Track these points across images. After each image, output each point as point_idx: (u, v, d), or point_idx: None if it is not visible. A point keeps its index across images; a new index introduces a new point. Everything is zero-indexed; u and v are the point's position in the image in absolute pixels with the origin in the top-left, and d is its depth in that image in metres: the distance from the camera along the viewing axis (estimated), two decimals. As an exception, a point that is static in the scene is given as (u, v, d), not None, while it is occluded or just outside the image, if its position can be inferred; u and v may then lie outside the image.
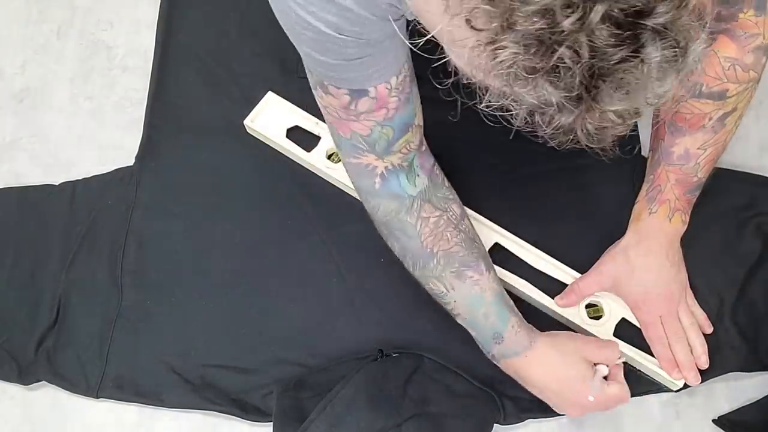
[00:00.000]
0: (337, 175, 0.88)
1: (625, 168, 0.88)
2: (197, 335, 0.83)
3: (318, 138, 0.90)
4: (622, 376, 0.74)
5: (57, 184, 0.91)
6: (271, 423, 0.77)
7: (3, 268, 0.87)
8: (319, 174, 0.90)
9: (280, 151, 0.91)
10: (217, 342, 0.83)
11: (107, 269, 0.86)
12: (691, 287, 0.82)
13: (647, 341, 0.81)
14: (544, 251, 0.85)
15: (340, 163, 0.88)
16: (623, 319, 0.82)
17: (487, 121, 0.41)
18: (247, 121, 0.91)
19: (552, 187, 0.89)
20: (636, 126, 0.91)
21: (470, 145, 0.91)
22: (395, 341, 0.81)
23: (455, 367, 0.79)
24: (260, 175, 0.91)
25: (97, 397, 0.81)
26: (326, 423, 0.74)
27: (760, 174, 0.90)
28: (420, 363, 0.79)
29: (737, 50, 0.67)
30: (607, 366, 0.72)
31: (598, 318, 0.82)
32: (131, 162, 0.92)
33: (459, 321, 0.75)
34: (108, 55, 1.01)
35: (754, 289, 0.83)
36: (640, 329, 0.81)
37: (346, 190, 0.89)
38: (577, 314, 0.81)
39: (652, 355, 0.80)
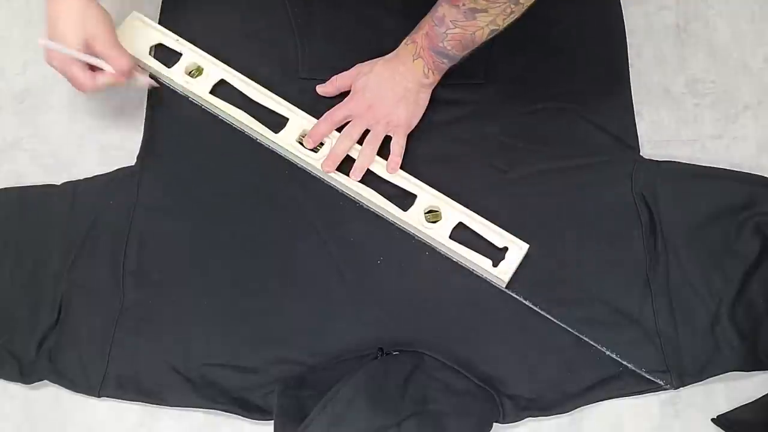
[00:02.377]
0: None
1: (623, 168, 0.88)
2: (199, 334, 0.83)
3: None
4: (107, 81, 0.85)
5: (58, 184, 0.91)
6: (273, 421, 0.77)
7: (4, 268, 0.87)
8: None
9: (149, 70, 0.94)
10: (218, 341, 0.83)
11: (109, 269, 0.86)
12: (689, 287, 0.83)
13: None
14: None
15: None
16: (460, 223, 0.85)
17: None
18: None
19: (551, 187, 0.89)
20: (635, 126, 0.92)
21: (469, 144, 0.91)
22: (395, 340, 0.81)
23: (455, 365, 0.79)
24: (261, 175, 0.91)
25: (99, 397, 0.81)
26: (326, 421, 0.74)
27: (759, 174, 0.90)
28: (420, 361, 0.79)
29: None
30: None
31: (436, 222, 0.85)
32: (133, 162, 0.92)
33: None
34: (109, 56, 1.01)
35: (752, 288, 0.83)
36: (474, 232, 0.85)
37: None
38: (417, 219, 0.85)
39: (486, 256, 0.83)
